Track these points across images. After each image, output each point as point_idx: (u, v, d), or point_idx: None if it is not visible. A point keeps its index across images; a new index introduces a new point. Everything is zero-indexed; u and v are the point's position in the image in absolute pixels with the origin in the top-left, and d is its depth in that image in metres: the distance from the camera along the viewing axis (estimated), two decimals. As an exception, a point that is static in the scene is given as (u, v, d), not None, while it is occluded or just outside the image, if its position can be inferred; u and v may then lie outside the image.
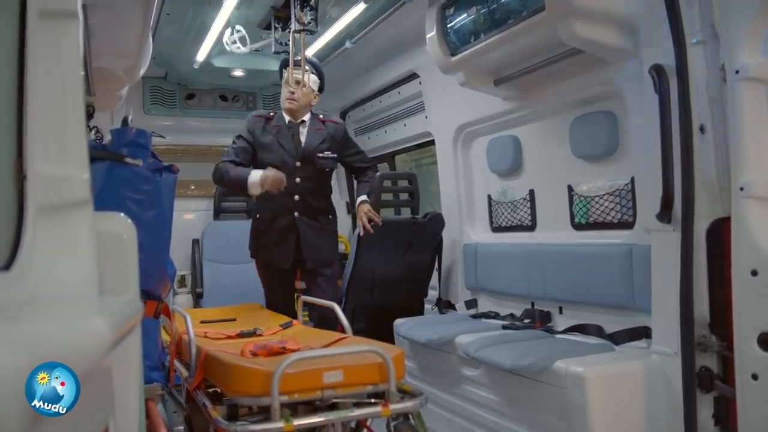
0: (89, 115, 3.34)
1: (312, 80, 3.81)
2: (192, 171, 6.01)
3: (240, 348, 2.61)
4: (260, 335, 3.17)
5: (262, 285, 4.07)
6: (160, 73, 5.61)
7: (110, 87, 3.51)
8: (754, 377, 2.11)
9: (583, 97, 3.29)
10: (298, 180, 3.73)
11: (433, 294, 4.52)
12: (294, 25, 3.74)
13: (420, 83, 4.70)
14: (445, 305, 4.36)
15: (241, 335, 3.13)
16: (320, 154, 3.79)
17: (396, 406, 2.23)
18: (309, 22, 3.73)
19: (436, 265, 4.45)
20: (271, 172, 3.49)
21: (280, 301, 3.91)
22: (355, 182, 4.11)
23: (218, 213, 5.93)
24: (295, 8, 3.68)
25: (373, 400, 2.29)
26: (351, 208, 6.41)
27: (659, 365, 2.55)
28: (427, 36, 3.62)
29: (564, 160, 3.46)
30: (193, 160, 6.10)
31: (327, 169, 3.86)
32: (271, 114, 3.87)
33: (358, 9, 3.94)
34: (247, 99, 6.17)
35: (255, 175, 3.52)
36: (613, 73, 3.01)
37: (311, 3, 3.68)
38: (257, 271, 4.06)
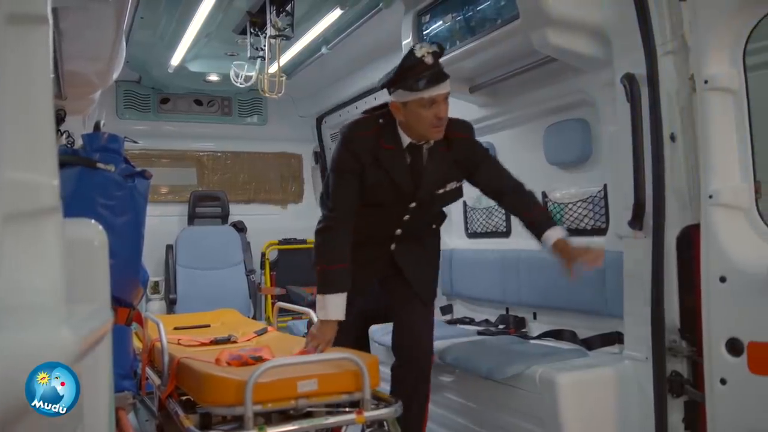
0: (60, 119, 3.29)
1: None
2: (166, 176, 5.98)
3: (214, 355, 2.58)
4: (234, 342, 3.15)
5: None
6: (134, 77, 5.56)
7: (82, 91, 3.47)
8: (723, 382, 2.15)
9: (557, 105, 3.32)
10: (407, 218, 2.77)
11: (408, 300, 4.52)
12: (270, 31, 3.74)
13: (396, 89, 4.71)
14: (420, 311, 4.36)
15: (216, 342, 3.10)
16: (441, 191, 2.75)
17: (370, 414, 2.22)
18: (285, 28, 3.73)
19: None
20: (327, 338, 2.57)
21: (348, 334, 2.74)
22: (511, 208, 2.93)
23: (193, 218, 5.88)
24: (270, 14, 3.67)
25: (347, 408, 2.28)
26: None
27: (631, 370, 2.58)
28: (403, 43, 3.63)
29: (538, 167, 3.49)
30: (167, 165, 6.07)
31: (447, 204, 2.93)
32: (381, 123, 2.65)
33: (334, 15, 3.94)
34: (222, 104, 6.14)
35: (324, 308, 2.58)
36: (586, 82, 3.05)
37: (287, 9, 3.68)
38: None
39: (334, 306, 2.56)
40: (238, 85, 4.60)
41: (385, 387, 2.67)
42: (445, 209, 3.00)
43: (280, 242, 6.15)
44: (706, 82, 2.25)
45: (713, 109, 2.24)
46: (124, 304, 2.40)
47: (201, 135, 6.16)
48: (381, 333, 3.74)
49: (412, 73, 2.48)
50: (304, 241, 6.20)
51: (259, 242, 6.06)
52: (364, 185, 2.63)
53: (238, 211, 6.12)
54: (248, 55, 4.21)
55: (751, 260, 2.10)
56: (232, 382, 2.13)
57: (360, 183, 2.63)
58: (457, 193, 2.83)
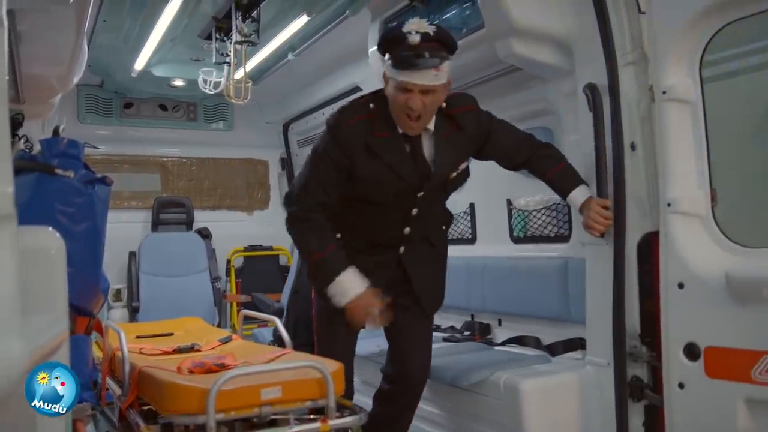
0: (18, 124, 3.22)
1: (446, 68, 2.27)
2: (130, 182, 5.90)
3: (176, 364, 2.54)
4: (198, 350, 3.10)
5: (315, 328, 2.77)
6: (96, 80, 5.46)
7: (42, 95, 3.39)
8: (681, 386, 2.19)
9: (522, 114, 3.36)
10: (415, 212, 2.49)
11: (375, 307, 4.51)
12: (235, 36, 3.71)
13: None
14: (387, 318, 4.36)
15: (179, 350, 3.05)
16: (453, 174, 2.51)
17: (335, 422, 2.21)
18: (251, 34, 3.71)
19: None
20: (363, 304, 2.36)
21: (339, 357, 2.46)
22: (533, 170, 2.68)
23: (156, 225, 5.80)
24: (236, 19, 3.65)
25: (312, 416, 2.27)
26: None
27: (593, 376, 2.62)
28: (370, 50, 3.64)
29: (503, 175, 3.50)
30: (131, 171, 5.98)
31: (457, 189, 2.69)
32: (372, 108, 2.36)
33: (301, 21, 3.93)
34: (187, 109, 6.07)
35: (343, 293, 2.36)
36: (549, 91, 3.09)
37: (253, 15, 3.65)
38: (313, 307, 2.78)
39: (350, 284, 2.36)
40: (207, 91, 4.56)
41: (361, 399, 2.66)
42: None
43: (246, 249, 6.11)
44: (664, 92, 2.30)
45: (671, 119, 2.30)
46: (83, 312, 2.36)
47: (165, 140, 6.09)
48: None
49: (394, 47, 2.22)
50: (270, 248, 6.16)
51: (225, 249, 6.01)
52: (357, 181, 2.37)
53: (203, 218, 6.06)
54: (214, 60, 4.18)
55: (708, 267, 2.15)
56: (194, 390, 2.10)
57: (347, 180, 2.37)
58: (467, 174, 2.58)
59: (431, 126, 2.40)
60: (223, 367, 2.46)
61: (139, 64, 4.78)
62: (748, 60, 2.63)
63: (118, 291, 5.57)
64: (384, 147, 2.36)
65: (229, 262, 6.01)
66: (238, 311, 3.81)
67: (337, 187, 2.40)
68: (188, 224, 5.93)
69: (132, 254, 5.63)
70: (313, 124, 5.64)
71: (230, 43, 3.92)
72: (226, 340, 3.28)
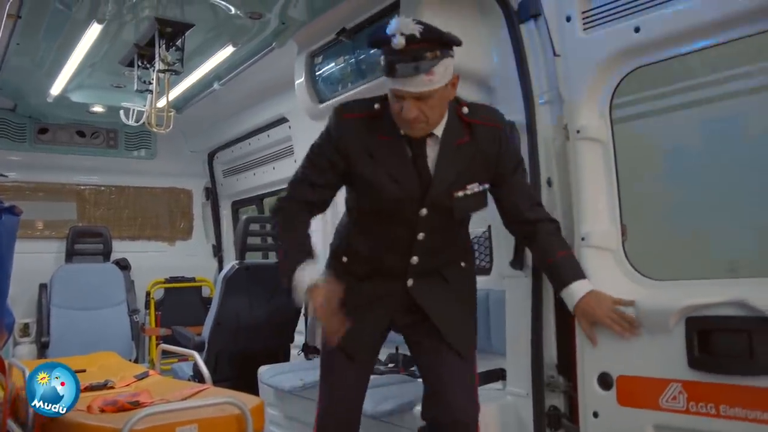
0: None
1: (442, 69, 1.96)
2: (43, 210, 5.64)
3: (87, 403, 2.42)
4: (112, 387, 2.98)
5: (323, 366, 2.39)
6: (9, 104, 5.22)
7: (-53, 118, 3.22)
8: (595, 415, 2.26)
9: (445, 148, 3.44)
10: (421, 236, 2.19)
11: (299, 339, 4.46)
12: (158, 65, 3.64)
13: (289, 127, 4.72)
14: (311, 351, 4.30)
15: (91, 388, 2.92)
16: (460, 193, 2.17)
17: (254, 460, 2.16)
18: (174, 62, 3.65)
19: (303, 310, 4.41)
20: (324, 291, 2.05)
21: (343, 399, 2.33)
22: (532, 241, 2.34)
23: (71, 255, 5.55)
24: (160, 47, 3.58)
25: (230, 455, 2.21)
26: (217, 250, 6.25)
27: (513, 406, 2.66)
28: (296, 82, 3.65)
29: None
30: (44, 199, 5.72)
31: (468, 215, 2.33)
32: (377, 107, 2.14)
33: (227, 51, 3.91)
34: (107, 136, 5.88)
35: (304, 281, 2.08)
36: (471, 127, 3.18)
37: (177, 43, 3.60)
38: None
39: (306, 281, 2.07)
40: (129, 123, 4.44)
41: (273, 429, 2.59)
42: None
43: (167, 280, 5.93)
44: (578, 131, 2.42)
45: (584, 156, 2.41)
46: (-16, 350, 2.21)
47: (83, 168, 5.87)
48: (270, 374, 3.66)
49: (383, 49, 2.00)
50: (192, 279, 6.01)
51: (145, 280, 5.81)
52: (356, 183, 2.18)
53: (122, 248, 5.85)
54: (135, 88, 4.08)
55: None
56: (104, 430, 2.00)
57: (343, 173, 2.17)
58: (481, 200, 2.23)
59: (438, 132, 2.12)
60: (137, 405, 2.37)
61: (56, 89, 4.60)
62: (654, 103, 2.81)
63: (26, 326, 5.27)
64: (384, 151, 2.13)
65: (148, 294, 5.82)
66: (157, 345, 3.67)
67: (327, 189, 2.22)
68: (105, 255, 5.71)
69: (43, 286, 5.35)
70: (239, 153, 5.59)
71: (153, 71, 3.84)
72: (142, 377, 3.16)
